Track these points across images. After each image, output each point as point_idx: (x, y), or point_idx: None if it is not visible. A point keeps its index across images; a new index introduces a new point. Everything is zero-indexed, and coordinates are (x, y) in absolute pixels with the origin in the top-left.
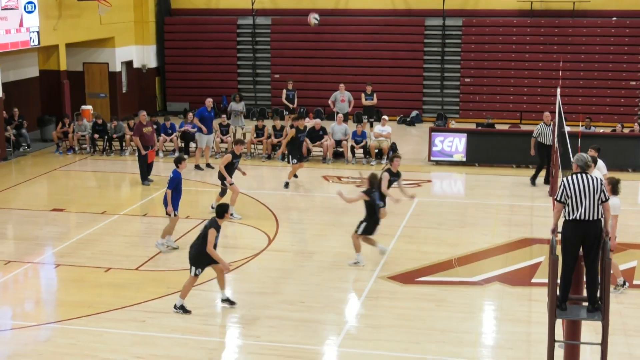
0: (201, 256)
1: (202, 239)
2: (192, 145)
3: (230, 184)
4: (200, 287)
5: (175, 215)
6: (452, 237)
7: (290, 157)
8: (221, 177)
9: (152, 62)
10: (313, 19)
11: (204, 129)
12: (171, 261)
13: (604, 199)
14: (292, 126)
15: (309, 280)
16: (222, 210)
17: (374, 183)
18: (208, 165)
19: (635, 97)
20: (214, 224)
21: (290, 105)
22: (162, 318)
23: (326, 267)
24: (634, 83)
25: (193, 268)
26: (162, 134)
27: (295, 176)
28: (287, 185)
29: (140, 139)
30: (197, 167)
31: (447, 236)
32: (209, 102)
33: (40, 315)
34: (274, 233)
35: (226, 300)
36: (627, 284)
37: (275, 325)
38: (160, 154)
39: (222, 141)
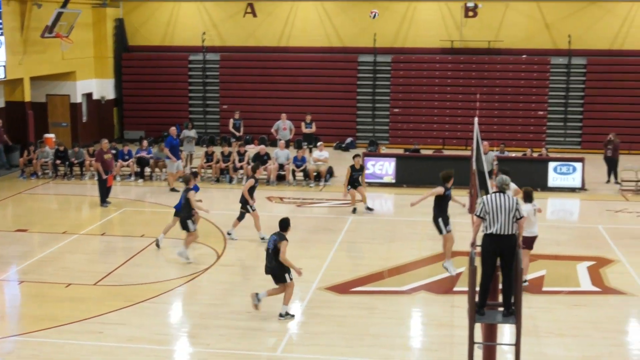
0: (281, 265)
1: (274, 253)
2: (147, 169)
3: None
4: (153, 300)
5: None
6: (384, 251)
7: (249, 206)
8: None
9: (110, 94)
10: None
11: (173, 159)
12: (130, 277)
13: (518, 217)
14: (252, 177)
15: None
16: (285, 224)
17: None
18: (173, 190)
19: (542, 125)
20: (282, 237)
21: (237, 133)
22: (119, 329)
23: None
24: (541, 113)
25: (286, 275)
26: (120, 160)
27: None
28: (229, 234)
29: (102, 164)
30: (173, 189)
31: (379, 250)
32: (173, 130)
33: (4, 329)
34: (222, 249)
35: (286, 315)
36: (526, 282)
37: (223, 334)
38: (118, 178)
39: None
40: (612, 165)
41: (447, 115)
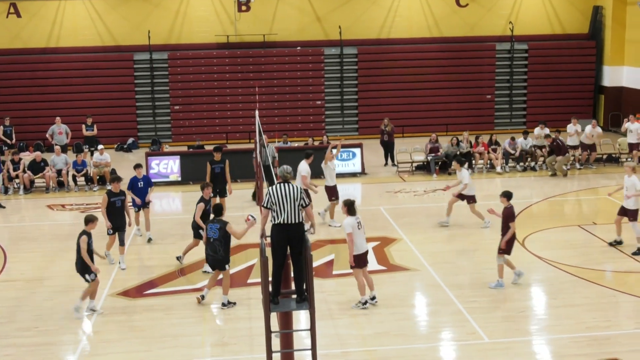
0: (227, 253)
1: (225, 240)
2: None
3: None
4: None
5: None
6: (176, 251)
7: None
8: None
9: None
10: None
11: None
12: None
13: (304, 204)
14: (108, 192)
15: (43, 305)
16: (220, 208)
17: None
18: None
19: (321, 114)
20: (226, 222)
21: (9, 141)
22: None
23: (58, 290)
24: (319, 102)
25: (227, 265)
26: None
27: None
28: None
29: None
30: None
31: (170, 250)
32: None
33: None
34: (1, 265)
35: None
36: (367, 304)
37: (11, 353)
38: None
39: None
40: (388, 149)
41: (229, 110)
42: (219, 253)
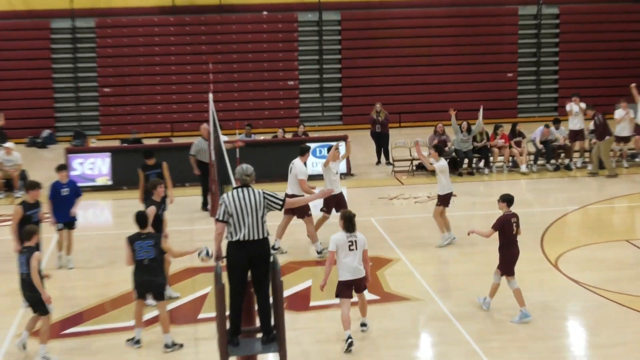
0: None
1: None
2: None
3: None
4: None
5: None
6: (103, 276)
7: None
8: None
9: None
10: None
11: None
12: None
13: (276, 207)
14: (23, 203)
15: None
16: (145, 218)
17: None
18: None
19: (295, 98)
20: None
21: None
22: None
23: None
24: (292, 83)
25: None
26: None
27: None
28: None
29: None
30: None
31: (96, 275)
32: None
33: None
34: None
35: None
36: (365, 327)
37: None
38: None
39: None
40: (381, 143)
41: (174, 93)
42: (160, 277)
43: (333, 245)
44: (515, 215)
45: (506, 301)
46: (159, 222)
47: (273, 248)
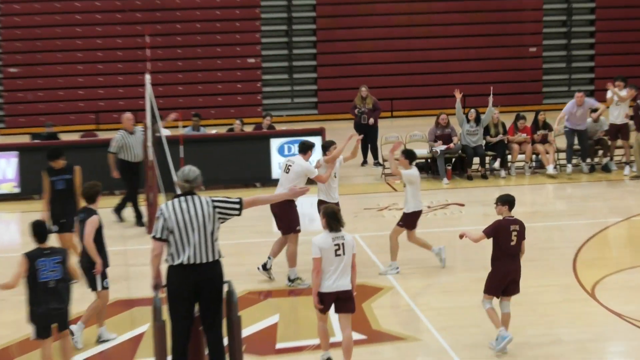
0: None
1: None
2: None
3: None
4: None
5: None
6: (9, 312)
7: None
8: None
9: None
10: None
11: None
12: None
13: (234, 213)
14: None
15: None
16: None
17: None
18: None
19: (258, 80)
20: None
21: None
22: None
23: None
24: (253, 61)
25: None
26: None
27: None
28: None
29: None
30: None
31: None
32: None
33: None
34: None
35: None
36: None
37: None
38: None
39: None
40: (368, 138)
41: (100, 74)
42: (66, 303)
43: (317, 251)
44: (517, 223)
45: (529, 339)
46: (100, 237)
47: (264, 268)
